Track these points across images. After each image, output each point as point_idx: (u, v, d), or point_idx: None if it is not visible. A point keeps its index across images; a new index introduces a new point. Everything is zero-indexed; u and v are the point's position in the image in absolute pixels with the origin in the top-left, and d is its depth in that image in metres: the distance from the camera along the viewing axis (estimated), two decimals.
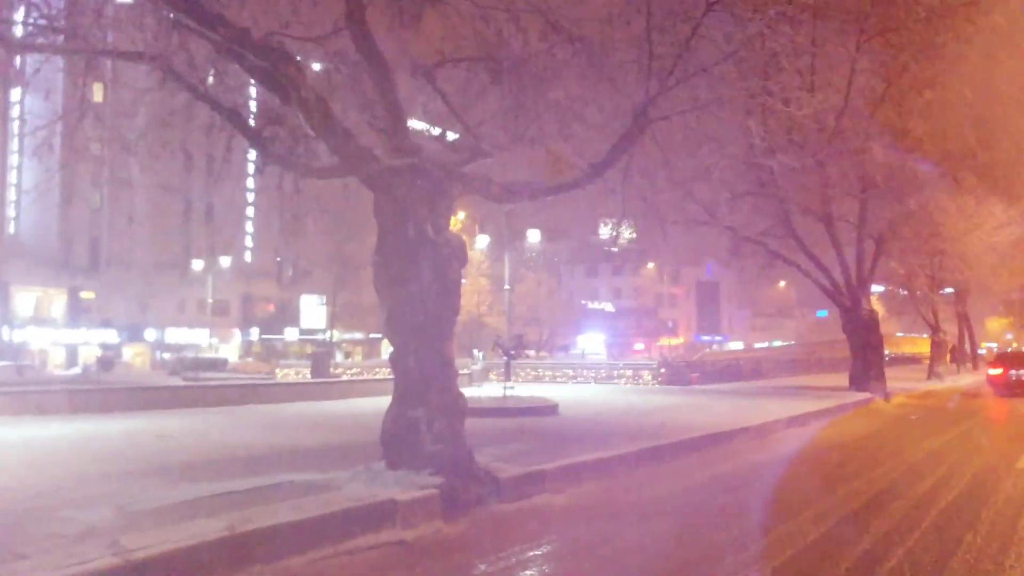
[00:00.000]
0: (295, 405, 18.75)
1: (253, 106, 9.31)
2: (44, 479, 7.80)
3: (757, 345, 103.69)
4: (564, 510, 7.65)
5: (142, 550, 4.70)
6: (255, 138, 8.13)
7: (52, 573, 4.31)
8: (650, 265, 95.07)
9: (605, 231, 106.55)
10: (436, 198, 7.80)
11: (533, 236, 23.28)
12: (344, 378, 26.67)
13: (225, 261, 51.53)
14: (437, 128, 9.86)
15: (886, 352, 69.41)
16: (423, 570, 5.59)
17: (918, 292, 32.48)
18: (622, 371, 29.11)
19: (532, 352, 16.91)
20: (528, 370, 30.72)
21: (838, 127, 15.89)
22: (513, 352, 15.57)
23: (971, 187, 22.38)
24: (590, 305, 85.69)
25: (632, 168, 10.11)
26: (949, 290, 37.88)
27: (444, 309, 7.72)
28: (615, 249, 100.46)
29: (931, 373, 33.86)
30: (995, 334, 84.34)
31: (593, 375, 29.60)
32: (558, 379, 30.16)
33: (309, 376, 24.77)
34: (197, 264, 49.03)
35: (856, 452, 11.76)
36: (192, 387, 19.98)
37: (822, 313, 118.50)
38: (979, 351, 58.79)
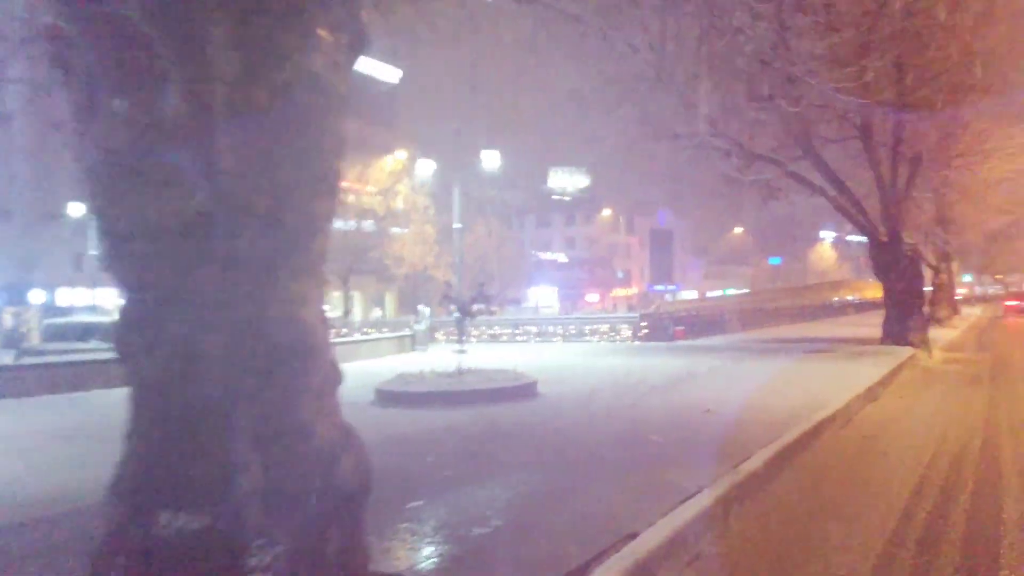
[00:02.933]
0: None
1: None
2: None
3: (710, 294, 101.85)
4: None
5: None
6: None
7: None
8: (605, 212, 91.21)
9: (555, 179, 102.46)
10: None
11: (490, 160, 18.55)
12: None
13: None
14: None
15: (845, 298, 67.06)
16: None
17: (923, 229, 28.60)
18: (595, 326, 24.68)
19: (496, 308, 12.00)
20: (482, 328, 26.08)
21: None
22: (473, 307, 10.84)
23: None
24: (542, 256, 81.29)
25: None
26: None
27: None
28: (567, 199, 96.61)
29: (932, 318, 30.25)
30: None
31: (561, 331, 25.14)
32: (519, 338, 25.62)
33: None
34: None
35: None
36: (23, 367, 14.69)
37: (775, 260, 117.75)
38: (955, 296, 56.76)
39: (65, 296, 44.27)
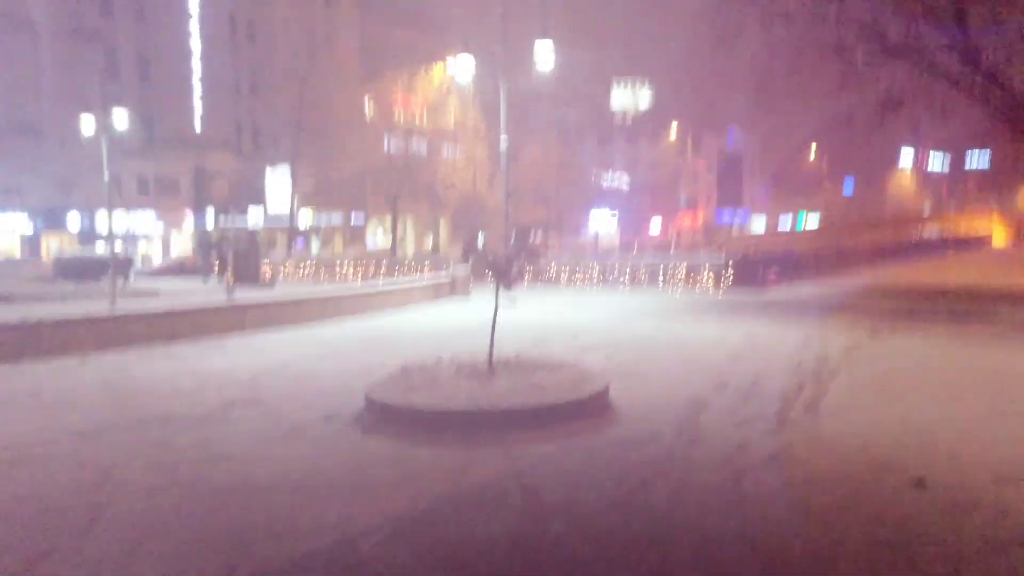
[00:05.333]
0: (128, 357, 10.57)
1: None
2: None
3: (782, 221, 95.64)
4: None
5: None
6: None
7: None
8: (672, 129, 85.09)
9: (618, 96, 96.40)
10: None
11: (544, 53, 14.60)
12: (275, 296, 18.39)
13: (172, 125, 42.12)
14: None
15: (931, 234, 60.70)
16: None
17: None
18: (671, 270, 20.62)
19: (547, 249, 8.08)
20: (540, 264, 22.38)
21: None
22: (515, 273, 7.03)
23: None
24: (603, 182, 76.14)
25: None
26: None
27: None
28: (628, 123, 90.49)
29: None
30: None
31: (627, 278, 21.17)
32: (578, 282, 21.82)
33: (229, 282, 16.35)
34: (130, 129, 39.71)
35: None
36: None
37: (849, 187, 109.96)
38: None
39: (104, 220, 42.04)
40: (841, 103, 18.56)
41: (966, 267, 30.68)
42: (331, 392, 8.19)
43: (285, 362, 10.31)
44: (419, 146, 41.00)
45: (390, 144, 39.90)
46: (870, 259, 30.22)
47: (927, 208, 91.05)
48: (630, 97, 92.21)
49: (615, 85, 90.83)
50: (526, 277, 7.25)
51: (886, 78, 15.89)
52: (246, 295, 15.67)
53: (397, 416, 6.60)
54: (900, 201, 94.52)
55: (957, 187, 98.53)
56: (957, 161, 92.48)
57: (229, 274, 16.79)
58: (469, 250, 7.89)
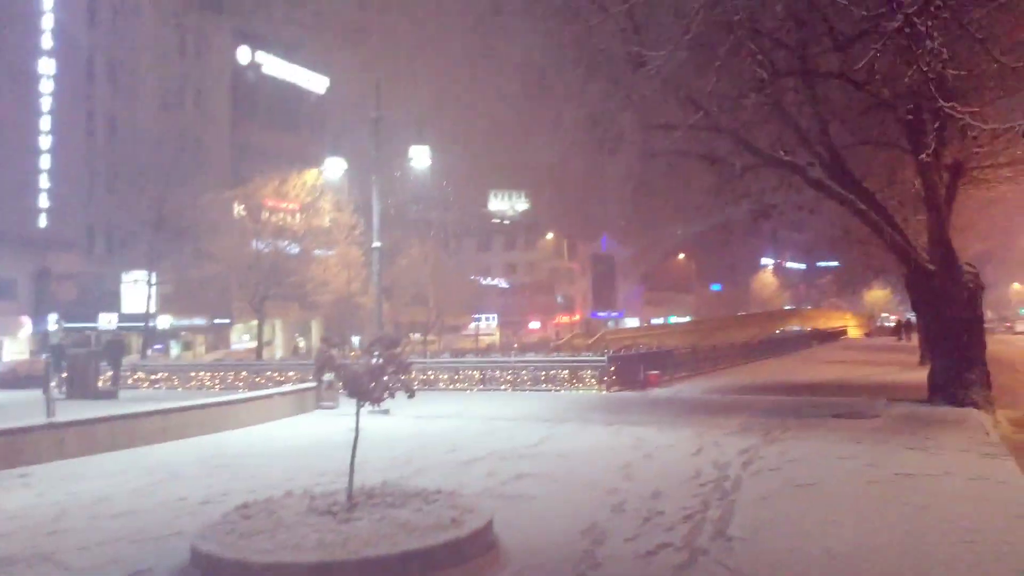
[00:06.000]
0: None
1: None
2: None
3: (654, 321, 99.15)
4: None
5: None
6: None
7: None
8: (548, 236, 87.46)
9: (497, 202, 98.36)
10: None
11: (420, 157, 14.15)
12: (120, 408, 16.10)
13: None
14: None
15: (792, 328, 64.18)
16: None
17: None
18: (552, 370, 19.92)
19: (408, 379, 6.67)
20: (414, 373, 21.19)
21: None
22: (379, 388, 5.88)
23: None
24: (483, 281, 76.39)
25: None
26: None
27: None
28: (507, 222, 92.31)
29: (926, 357, 26.48)
30: (872, 306, 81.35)
31: (510, 377, 20.30)
32: (458, 384, 20.73)
33: (49, 396, 14.00)
34: None
35: None
36: None
37: (716, 287, 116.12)
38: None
39: None
40: (713, 210, 18.89)
41: (832, 359, 31.94)
42: (151, 536, 6.60)
43: (103, 495, 8.51)
44: (291, 247, 39.57)
45: (259, 245, 38.26)
46: (744, 354, 30.90)
47: (788, 304, 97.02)
48: (507, 203, 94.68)
49: (492, 195, 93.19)
50: (392, 392, 6.02)
51: (757, 187, 16.26)
52: (77, 411, 13.49)
53: (228, 573, 5.17)
54: (764, 299, 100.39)
55: (813, 285, 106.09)
56: (811, 261, 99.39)
57: (53, 386, 14.49)
58: (323, 364, 6.24)
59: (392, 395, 6.43)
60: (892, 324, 69.31)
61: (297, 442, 12.40)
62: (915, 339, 39.75)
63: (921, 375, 20.90)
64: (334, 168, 17.20)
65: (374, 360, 6.37)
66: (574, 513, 7.02)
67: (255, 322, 40.44)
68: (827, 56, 12.63)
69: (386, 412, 14.75)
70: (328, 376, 6.81)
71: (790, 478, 8.09)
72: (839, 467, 8.69)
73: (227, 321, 47.87)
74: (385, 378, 6.37)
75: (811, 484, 7.80)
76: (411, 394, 6.52)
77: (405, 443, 11.33)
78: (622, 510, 7.12)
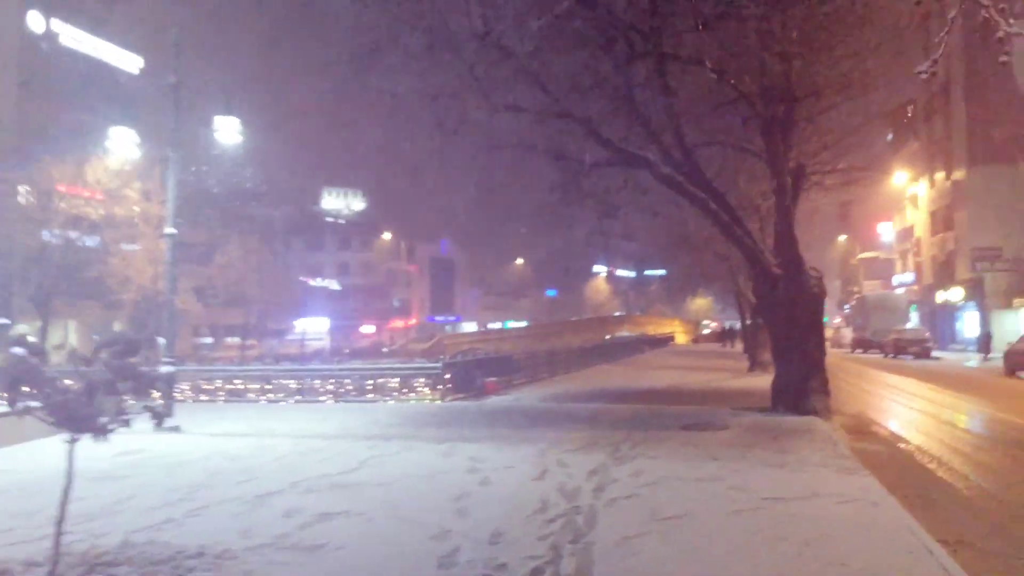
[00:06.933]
0: None
1: None
2: None
3: (490, 325, 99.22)
4: None
5: None
6: None
7: None
8: (386, 236, 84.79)
9: (331, 200, 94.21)
10: None
11: (227, 130, 12.00)
12: None
13: None
14: None
15: (623, 333, 66.20)
16: None
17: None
18: (380, 378, 18.04)
19: (156, 400, 4.73)
20: (217, 383, 18.78)
21: None
22: (94, 413, 3.89)
23: None
24: (312, 283, 72.44)
25: None
26: None
27: None
28: (342, 221, 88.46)
29: (755, 363, 27.21)
30: (696, 313, 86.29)
31: (332, 387, 18.21)
32: (271, 395, 18.42)
33: None
34: None
35: None
36: None
37: (551, 292, 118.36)
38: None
39: None
40: (557, 211, 17.93)
41: (665, 364, 32.27)
42: None
43: None
44: (87, 239, 34.93)
45: (48, 236, 33.47)
46: (580, 359, 30.45)
47: (618, 310, 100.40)
48: (342, 201, 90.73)
49: (326, 193, 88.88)
50: (125, 420, 4.07)
51: (603, 186, 15.47)
52: None
53: None
54: (596, 304, 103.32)
55: (641, 293, 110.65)
56: (640, 269, 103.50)
57: None
58: (17, 378, 4.31)
59: (125, 423, 4.46)
60: (709, 332, 73.31)
61: (45, 474, 9.77)
62: (739, 346, 41.49)
63: (753, 381, 21.18)
64: (126, 145, 14.48)
65: (98, 373, 4.37)
66: (392, 571, 5.35)
67: (36, 323, 35.34)
68: (684, 39, 11.85)
69: (176, 429, 12.38)
70: (27, 400, 4.63)
71: (652, 509, 6.85)
72: (703, 492, 7.60)
73: (6, 322, 41.63)
74: (116, 398, 4.40)
75: (677, 517, 6.59)
76: (158, 421, 4.63)
77: (189, 470, 9.13)
78: (455, 560, 5.54)
